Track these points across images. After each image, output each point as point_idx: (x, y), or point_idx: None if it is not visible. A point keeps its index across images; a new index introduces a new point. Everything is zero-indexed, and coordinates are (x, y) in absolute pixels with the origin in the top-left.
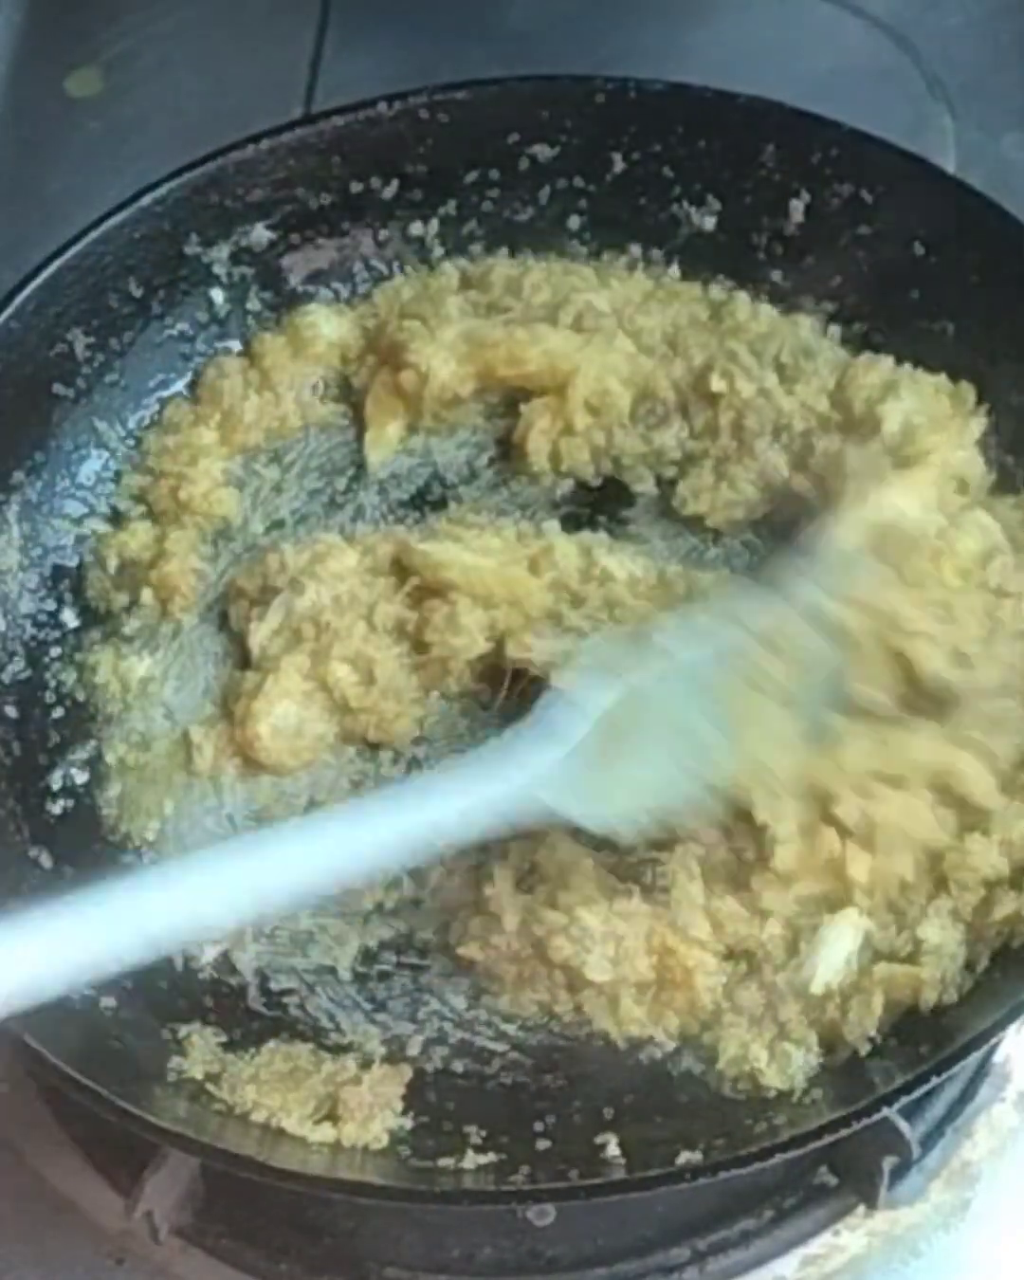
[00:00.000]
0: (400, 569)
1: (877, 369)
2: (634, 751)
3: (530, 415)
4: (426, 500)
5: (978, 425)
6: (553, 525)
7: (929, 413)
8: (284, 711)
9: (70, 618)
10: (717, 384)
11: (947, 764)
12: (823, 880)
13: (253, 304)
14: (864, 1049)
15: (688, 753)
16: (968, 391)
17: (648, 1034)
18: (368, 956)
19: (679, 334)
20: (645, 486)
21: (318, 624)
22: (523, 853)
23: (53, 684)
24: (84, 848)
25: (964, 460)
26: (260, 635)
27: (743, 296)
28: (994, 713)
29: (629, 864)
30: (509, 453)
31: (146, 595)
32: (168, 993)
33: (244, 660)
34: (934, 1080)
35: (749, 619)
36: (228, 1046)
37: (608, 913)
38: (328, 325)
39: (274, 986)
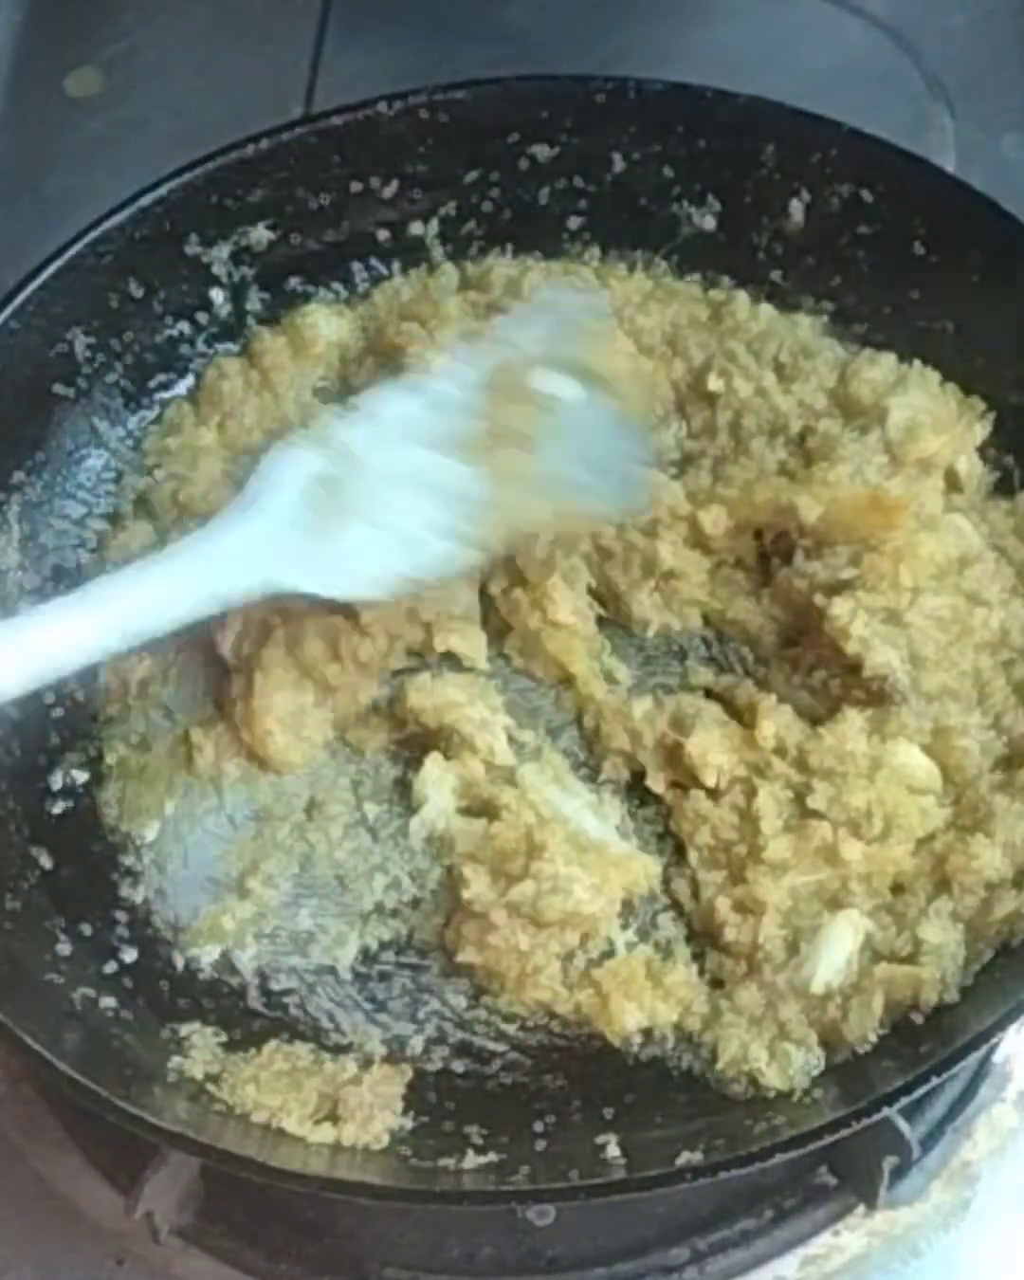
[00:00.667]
0: None
1: (881, 364)
2: (364, 513)
3: None
4: None
5: (982, 430)
6: None
7: (934, 412)
8: (284, 703)
9: None
10: (714, 383)
11: (879, 754)
12: (817, 868)
13: (253, 304)
14: (864, 1049)
15: (434, 506)
16: (976, 401)
17: (644, 1029)
18: (368, 956)
19: (678, 334)
20: None
21: (283, 612)
22: (476, 837)
23: (53, 684)
24: (84, 848)
25: (964, 462)
26: (229, 642)
27: (743, 296)
28: (937, 716)
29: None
30: None
31: None
32: (168, 993)
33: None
34: (934, 1080)
35: (471, 370)
36: (228, 1046)
37: (580, 858)
38: (328, 325)
39: (274, 986)
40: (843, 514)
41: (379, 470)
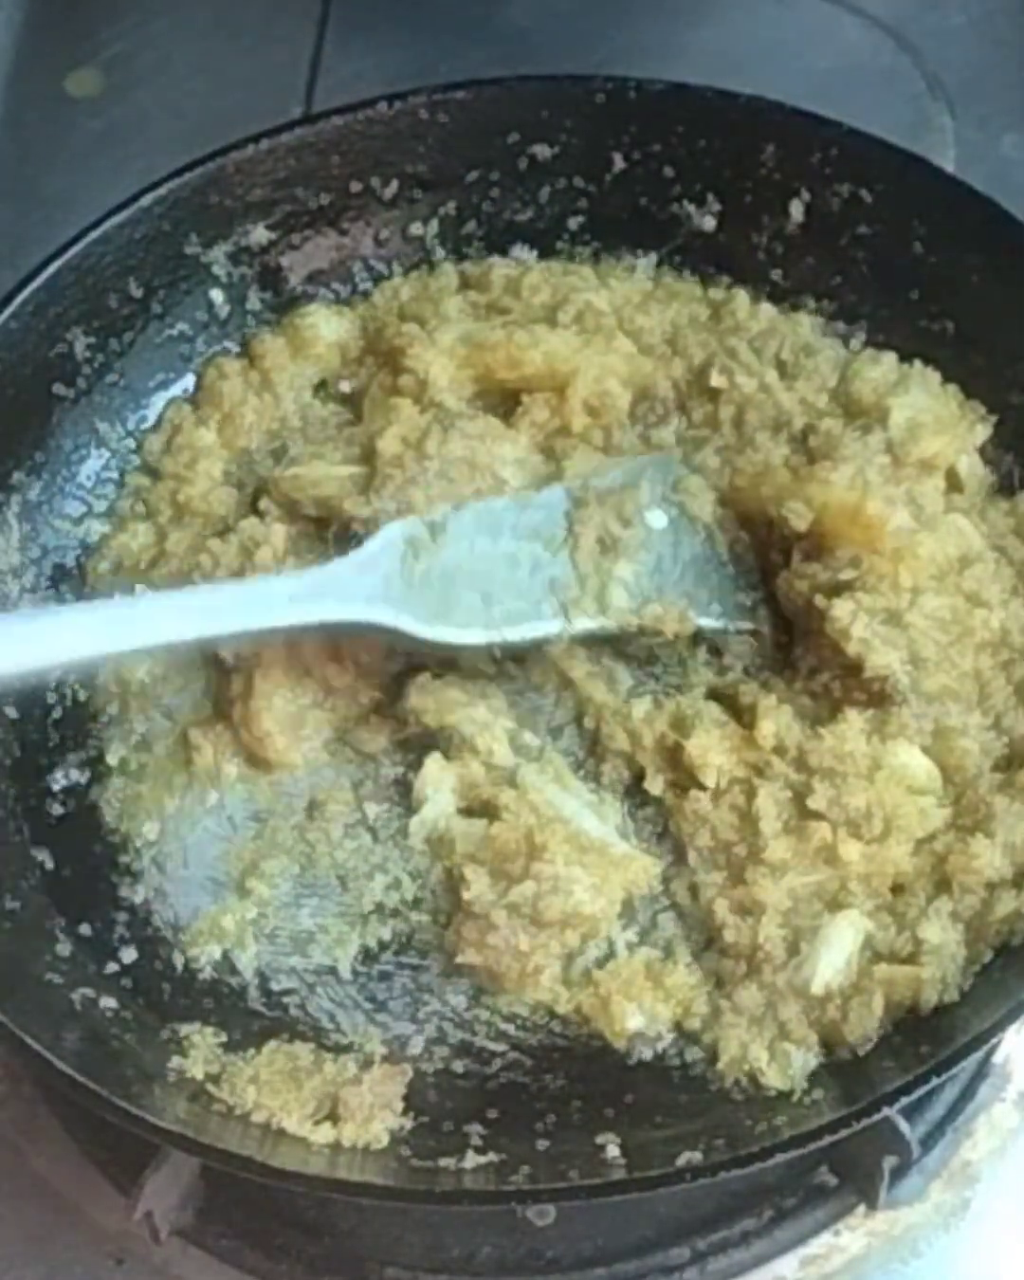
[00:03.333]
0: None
1: (882, 363)
2: (454, 575)
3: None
4: None
5: (983, 431)
6: None
7: (935, 412)
8: (283, 703)
9: None
10: (716, 380)
11: (879, 754)
12: (817, 868)
13: (253, 304)
14: (864, 1049)
15: (520, 577)
16: (977, 402)
17: (644, 1029)
18: (368, 956)
19: (679, 333)
20: None
21: None
22: (476, 838)
23: (53, 684)
24: (84, 848)
25: (964, 462)
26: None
27: (743, 296)
28: (938, 716)
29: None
30: None
31: None
32: (168, 993)
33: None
34: (934, 1080)
35: (562, 490)
36: (228, 1046)
37: (580, 858)
38: (327, 325)
39: (274, 986)
40: (830, 522)
41: (469, 543)
